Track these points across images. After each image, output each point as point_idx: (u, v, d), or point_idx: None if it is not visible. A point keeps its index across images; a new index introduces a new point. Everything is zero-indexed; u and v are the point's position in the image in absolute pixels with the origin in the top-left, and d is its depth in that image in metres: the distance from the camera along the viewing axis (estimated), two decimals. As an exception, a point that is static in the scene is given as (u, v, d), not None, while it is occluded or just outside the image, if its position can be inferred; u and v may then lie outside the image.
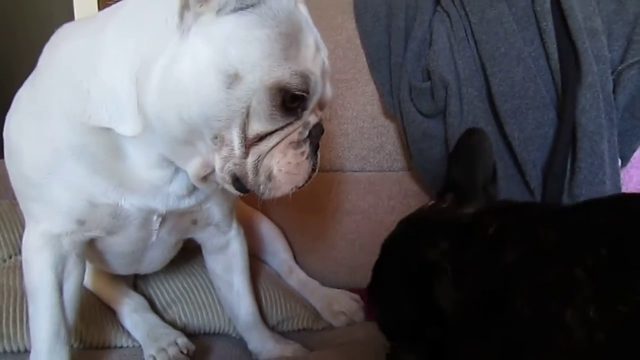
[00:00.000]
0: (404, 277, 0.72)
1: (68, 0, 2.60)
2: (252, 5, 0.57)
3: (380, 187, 1.16)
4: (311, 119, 0.65)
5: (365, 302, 1.09)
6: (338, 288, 1.13)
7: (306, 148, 0.64)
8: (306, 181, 0.65)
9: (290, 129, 0.62)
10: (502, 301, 0.53)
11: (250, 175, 0.62)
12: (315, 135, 0.65)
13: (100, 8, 2.50)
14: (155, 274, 1.01)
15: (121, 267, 0.91)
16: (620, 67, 0.90)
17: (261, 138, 0.61)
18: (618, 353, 0.44)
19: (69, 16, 2.55)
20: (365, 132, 1.18)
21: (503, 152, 0.94)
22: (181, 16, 0.58)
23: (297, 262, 1.18)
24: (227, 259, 0.91)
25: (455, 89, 0.98)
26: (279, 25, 0.58)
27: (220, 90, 0.57)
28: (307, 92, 0.60)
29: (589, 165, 0.84)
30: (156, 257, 0.88)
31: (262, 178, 0.62)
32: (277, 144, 0.62)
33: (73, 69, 0.64)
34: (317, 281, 1.14)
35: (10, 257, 1.05)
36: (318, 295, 1.10)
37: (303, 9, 0.66)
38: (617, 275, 0.46)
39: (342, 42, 1.23)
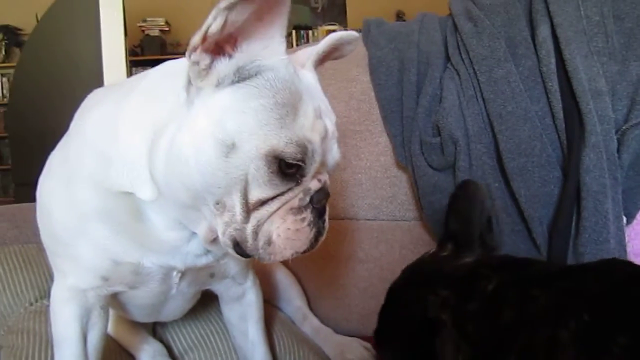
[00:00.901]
0: (407, 327, 0.74)
1: (98, 66, 2.72)
2: (249, 78, 0.61)
3: (392, 236, 1.19)
4: (312, 184, 0.66)
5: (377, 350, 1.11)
6: (350, 335, 1.15)
7: (307, 214, 0.65)
8: (310, 246, 0.67)
9: (290, 194, 0.64)
10: (504, 356, 0.57)
11: (250, 240, 0.64)
12: (318, 201, 0.66)
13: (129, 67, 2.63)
14: (173, 320, 1.04)
15: (142, 316, 0.95)
16: (624, 127, 0.93)
17: (262, 203, 0.63)
18: None
19: (99, 81, 2.68)
20: (378, 182, 1.22)
21: (510, 208, 0.97)
22: (187, 90, 0.62)
23: (310, 308, 1.21)
24: (242, 309, 0.94)
25: (464, 145, 1.02)
26: (275, 95, 0.60)
27: (219, 159, 0.60)
28: (303, 161, 0.62)
29: (593, 224, 0.86)
30: (175, 307, 0.91)
31: (261, 243, 0.64)
32: (278, 209, 0.63)
33: (97, 136, 0.69)
34: (330, 328, 1.17)
35: (36, 301, 1.10)
36: (331, 342, 1.13)
37: (308, 77, 0.70)
38: (596, 338, 0.52)
39: (357, 94, 1.28)
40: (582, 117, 0.91)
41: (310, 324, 1.17)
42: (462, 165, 1.02)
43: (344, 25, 5.19)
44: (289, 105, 0.61)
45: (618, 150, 0.92)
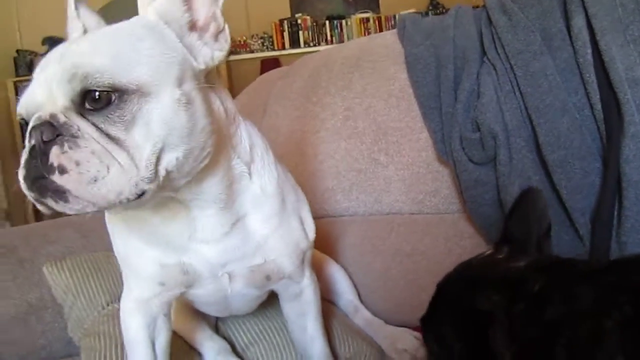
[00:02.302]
0: (458, 318, 0.79)
1: None
2: None
3: (437, 229, 1.22)
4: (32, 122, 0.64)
5: (428, 339, 1.16)
6: (401, 326, 1.20)
7: (23, 155, 0.64)
8: (36, 190, 0.63)
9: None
10: (547, 352, 0.61)
11: None
12: (31, 137, 0.63)
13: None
14: (234, 317, 1.11)
15: (214, 312, 1.05)
16: (663, 115, 0.94)
17: None
18: None
19: None
20: (421, 177, 1.25)
21: (553, 200, 0.99)
22: None
23: (361, 301, 1.26)
24: (300, 306, 0.99)
25: (503, 140, 1.04)
26: None
27: None
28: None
29: (635, 214, 0.88)
30: (242, 305, 0.99)
31: None
32: None
33: None
34: (381, 320, 1.22)
35: (107, 305, 1.19)
36: (382, 333, 1.18)
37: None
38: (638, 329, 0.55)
39: (396, 91, 1.32)
40: (620, 107, 0.93)
41: (362, 316, 1.22)
42: (502, 159, 1.04)
43: (377, 12, 5.17)
44: None
45: (658, 139, 0.93)
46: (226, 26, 0.75)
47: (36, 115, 0.63)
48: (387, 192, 1.30)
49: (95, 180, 0.61)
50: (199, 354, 1.08)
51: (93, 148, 0.61)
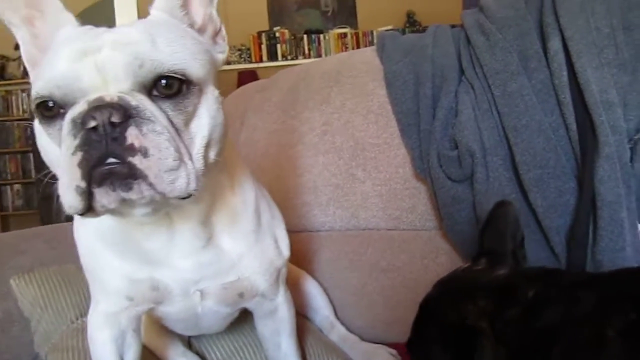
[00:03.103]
0: (444, 335, 0.79)
1: None
2: None
3: (414, 246, 1.23)
4: (78, 108, 0.59)
5: (403, 356, 1.15)
6: (376, 342, 1.19)
7: (72, 141, 0.58)
8: (99, 175, 0.57)
9: (59, 133, 0.61)
10: (543, 356, 0.62)
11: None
12: (90, 119, 0.57)
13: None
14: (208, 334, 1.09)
15: (183, 330, 1.01)
16: (636, 137, 0.96)
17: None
18: None
19: None
20: (398, 193, 1.26)
21: (529, 218, 1.00)
22: None
23: (337, 317, 1.25)
24: (275, 324, 0.97)
25: (481, 158, 1.06)
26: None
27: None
28: (53, 98, 0.61)
29: (609, 234, 0.90)
30: (213, 324, 0.96)
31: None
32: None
33: None
34: (357, 336, 1.21)
35: (77, 319, 1.15)
36: (358, 350, 1.17)
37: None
38: None
39: (374, 107, 1.33)
40: (594, 129, 0.95)
41: (337, 333, 1.21)
42: (479, 177, 1.05)
43: (355, 28, 5.22)
44: (41, 63, 0.65)
45: (631, 160, 0.96)
46: (222, 26, 0.75)
47: (95, 97, 0.58)
48: (364, 207, 1.30)
49: (171, 170, 0.58)
50: (171, 371, 1.06)
51: (168, 135, 0.59)
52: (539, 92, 1.04)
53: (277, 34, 5.13)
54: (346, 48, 5.01)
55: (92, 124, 0.57)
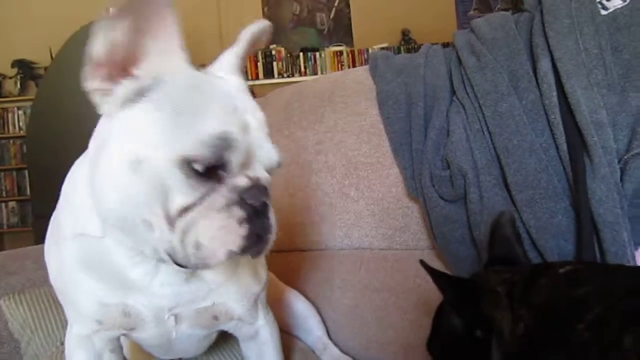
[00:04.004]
0: (459, 294, 0.77)
1: None
2: (145, 94, 0.62)
3: (407, 265, 1.22)
4: (239, 181, 0.64)
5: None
6: (370, 363, 1.18)
7: (237, 211, 0.62)
8: (247, 244, 0.63)
9: (215, 195, 0.62)
10: (566, 326, 0.61)
11: (179, 250, 0.62)
12: (252, 197, 0.63)
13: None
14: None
15: (159, 354, 0.99)
16: (626, 157, 0.96)
17: (186, 210, 0.61)
18: None
19: None
20: (391, 212, 1.25)
21: (523, 237, 1.00)
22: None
23: (330, 338, 1.25)
24: (258, 347, 0.96)
25: (473, 178, 1.06)
26: (173, 104, 0.61)
27: (127, 176, 0.61)
28: (218, 159, 0.61)
29: (614, 254, 0.89)
30: (188, 347, 0.95)
31: (189, 249, 0.61)
32: (201, 212, 0.61)
33: (71, 193, 0.76)
34: (350, 357, 1.20)
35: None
36: (350, 371, 1.16)
37: (230, 81, 0.71)
38: None
39: (367, 127, 1.33)
40: (588, 149, 0.95)
41: (330, 354, 1.20)
42: (472, 197, 1.05)
43: (351, 46, 5.26)
44: (191, 110, 0.61)
45: (621, 180, 0.96)
46: None
47: (253, 175, 0.65)
48: (357, 226, 1.30)
49: None
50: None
51: None
52: (529, 112, 1.04)
53: (273, 52, 5.15)
54: (342, 66, 5.04)
55: (256, 203, 0.64)
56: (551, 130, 1.02)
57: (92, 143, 0.70)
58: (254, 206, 0.63)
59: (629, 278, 0.65)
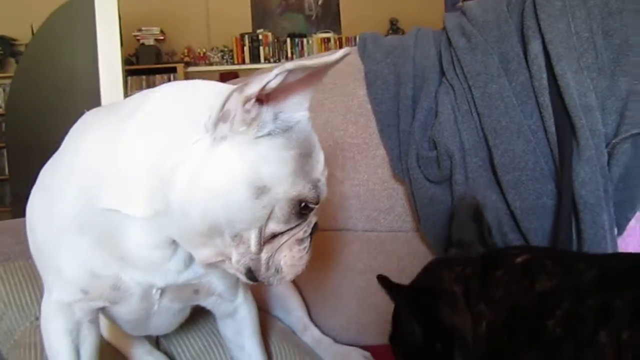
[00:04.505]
0: (416, 299, 0.77)
1: (95, 77, 2.73)
2: (283, 130, 0.66)
3: (391, 247, 1.21)
4: (313, 219, 0.74)
5: (377, 358, 1.14)
6: (350, 345, 1.17)
7: (307, 243, 0.73)
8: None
9: (298, 229, 0.71)
10: (534, 324, 0.60)
11: (263, 269, 0.71)
12: (313, 231, 0.75)
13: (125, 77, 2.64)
14: (177, 332, 1.06)
15: (130, 330, 0.96)
16: (613, 141, 0.96)
17: (274, 236, 0.70)
18: None
19: (96, 91, 2.69)
20: (376, 194, 1.24)
21: (507, 219, 1.00)
22: (215, 126, 0.65)
23: (310, 319, 1.23)
24: (236, 324, 0.95)
25: (459, 159, 1.05)
26: (300, 146, 0.67)
27: (249, 199, 0.65)
28: (317, 203, 0.70)
29: (592, 236, 0.90)
30: (162, 322, 0.92)
31: (271, 271, 0.72)
32: (286, 241, 0.71)
33: (93, 156, 0.71)
34: (331, 338, 1.19)
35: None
36: (331, 352, 1.15)
37: None
38: None
39: (354, 107, 1.31)
40: (575, 132, 0.94)
41: (311, 334, 1.19)
42: (458, 179, 1.04)
43: (339, 33, 5.23)
44: (308, 155, 0.68)
45: (608, 164, 0.95)
46: None
47: (314, 219, 0.74)
48: (342, 208, 1.28)
49: None
50: (138, 370, 1.02)
51: None
52: (518, 94, 1.04)
53: (260, 37, 5.11)
54: (329, 53, 5.01)
55: (305, 231, 0.73)
56: (540, 112, 1.01)
57: (159, 128, 0.68)
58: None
59: (592, 270, 0.62)
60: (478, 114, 1.06)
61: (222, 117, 0.64)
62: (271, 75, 0.60)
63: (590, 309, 0.56)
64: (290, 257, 0.72)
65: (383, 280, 0.77)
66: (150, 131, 0.68)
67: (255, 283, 0.74)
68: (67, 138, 0.78)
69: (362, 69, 1.33)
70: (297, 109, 0.67)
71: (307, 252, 0.74)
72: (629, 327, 0.52)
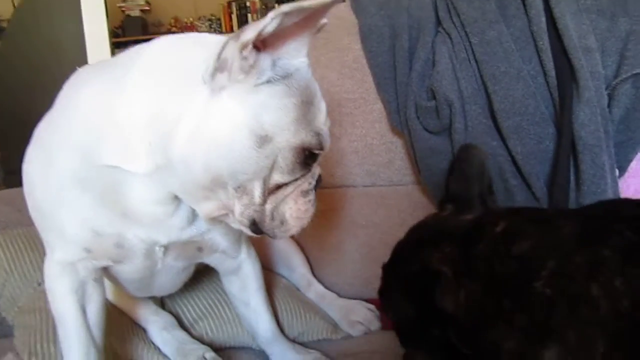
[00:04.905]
0: (406, 285, 0.75)
1: (81, 50, 2.68)
2: (283, 77, 0.64)
3: (391, 201, 1.21)
4: (317, 170, 0.73)
5: (381, 311, 1.14)
6: (354, 299, 1.18)
7: (312, 196, 0.72)
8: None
9: (302, 180, 0.70)
10: (519, 288, 0.58)
11: (267, 220, 0.70)
12: (317, 184, 0.74)
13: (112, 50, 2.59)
14: (181, 291, 1.06)
15: (134, 291, 0.96)
16: (614, 82, 0.95)
17: (278, 187, 0.69)
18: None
19: (83, 59, 2.64)
20: (374, 148, 1.23)
21: (508, 165, 0.99)
22: (213, 76, 0.63)
23: (314, 275, 1.24)
24: (240, 280, 0.96)
25: (459, 107, 1.04)
26: (302, 94, 0.65)
27: (252, 149, 0.63)
28: (322, 150, 0.69)
29: (591, 177, 0.90)
30: (166, 281, 0.92)
31: (276, 222, 0.70)
32: (291, 192, 0.70)
33: (91, 111, 0.69)
34: (335, 293, 1.20)
35: (44, 281, 1.11)
36: (336, 306, 1.16)
37: None
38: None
39: (349, 62, 1.29)
40: (575, 73, 0.93)
41: (315, 290, 1.20)
42: (458, 127, 1.04)
43: (327, -3, 5.14)
44: (310, 102, 0.67)
45: (609, 105, 0.95)
46: None
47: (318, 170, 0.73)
48: (340, 164, 1.27)
49: None
50: (145, 331, 1.03)
51: None
52: (517, 39, 1.02)
53: (248, 4, 5.02)
54: (318, 18, 4.94)
55: (312, 182, 0.72)
56: (539, 56, 1.00)
57: (156, 80, 0.66)
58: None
59: (570, 225, 0.59)
60: (476, 61, 1.05)
61: (219, 67, 0.62)
62: (267, 20, 0.58)
63: (577, 265, 0.55)
64: (295, 209, 0.71)
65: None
66: (148, 85, 0.67)
67: (259, 236, 0.73)
68: (61, 94, 0.76)
69: (355, 23, 1.30)
70: (295, 55, 0.65)
71: (312, 204, 0.73)
72: (620, 274, 0.51)
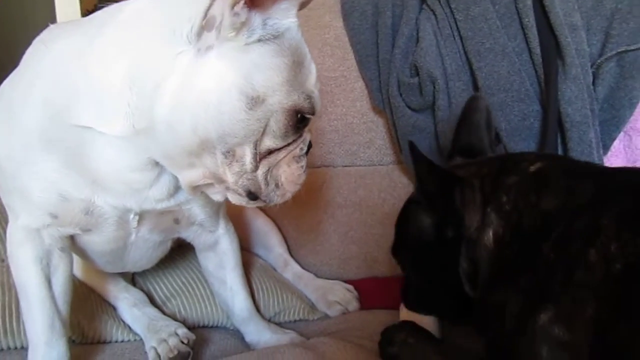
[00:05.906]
0: (427, 193, 0.72)
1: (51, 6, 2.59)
2: (274, 37, 0.62)
3: (371, 181, 1.19)
4: (307, 135, 0.72)
5: (359, 292, 1.12)
6: (332, 279, 1.16)
7: (304, 162, 0.71)
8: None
9: (294, 145, 0.69)
10: (532, 246, 0.59)
11: (263, 187, 0.68)
12: (308, 149, 0.73)
13: (82, 11, 2.51)
14: (154, 269, 1.02)
15: (105, 265, 0.91)
16: (599, 60, 0.95)
17: (270, 152, 0.67)
18: (630, 278, 0.50)
19: (52, 19, 2.55)
20: (355, 127, 1.21)
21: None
22: (198, 37, 0.60)
23: (291, 255, 1.21)
24: (217, 257, 0.93)
25: (442, 84, 1.02)
26: (292, 54, 0.63)
27: (242, 110, 0.61)
28: (314, 114, 0.67)
29: (579, 154, 0.89)
30: (140, 256, 0.89)
31: (272, 186, 0.69)
32: (284, 157, 0.68)
33: (62, 66, 0.66)
34: (312, 274, 1.17)
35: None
36: (313, 286, 1.13)
37: None
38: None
39: (330, 40, 1.26)
40: (561, 51, 0.93)
41: (291, 270, 1.17)
42: (441, 104, 1.02)
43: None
44: (301, 63, 0.65)
45: (593, 84, 0.94)
46: None
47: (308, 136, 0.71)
48: (320, 144, 1.24)
49: None
50: (114, 308, 0.98)
51: None
52: (502, 16, 1.01)
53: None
54: None
55: (304, 147, 0.71)
56: (524, 33, 0.99)
57: (136, 37, 0.63)
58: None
59: (590, 190, 0.60)
60: (461, 38, 1.03)
61: (205, 25, 0.60)
62: None
63: (579, 230, 0.55)
64: (290, 173, 0.70)
65: (413, 147, 0.70)
66: (127, 42, 0.63)
67: (256, 205, 0.72)
68: (29, 49, 0.72)
69: (337, 0, 1.28)
70: (285, 15, 0.63)
71: (304, 170, 0.71)
72: (616, 240, 0.52)
